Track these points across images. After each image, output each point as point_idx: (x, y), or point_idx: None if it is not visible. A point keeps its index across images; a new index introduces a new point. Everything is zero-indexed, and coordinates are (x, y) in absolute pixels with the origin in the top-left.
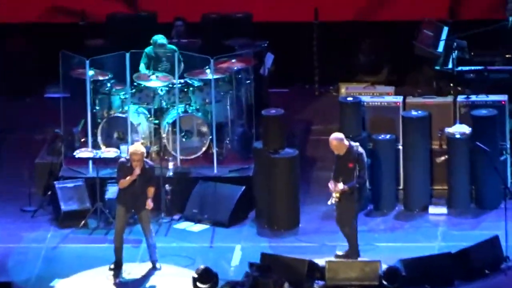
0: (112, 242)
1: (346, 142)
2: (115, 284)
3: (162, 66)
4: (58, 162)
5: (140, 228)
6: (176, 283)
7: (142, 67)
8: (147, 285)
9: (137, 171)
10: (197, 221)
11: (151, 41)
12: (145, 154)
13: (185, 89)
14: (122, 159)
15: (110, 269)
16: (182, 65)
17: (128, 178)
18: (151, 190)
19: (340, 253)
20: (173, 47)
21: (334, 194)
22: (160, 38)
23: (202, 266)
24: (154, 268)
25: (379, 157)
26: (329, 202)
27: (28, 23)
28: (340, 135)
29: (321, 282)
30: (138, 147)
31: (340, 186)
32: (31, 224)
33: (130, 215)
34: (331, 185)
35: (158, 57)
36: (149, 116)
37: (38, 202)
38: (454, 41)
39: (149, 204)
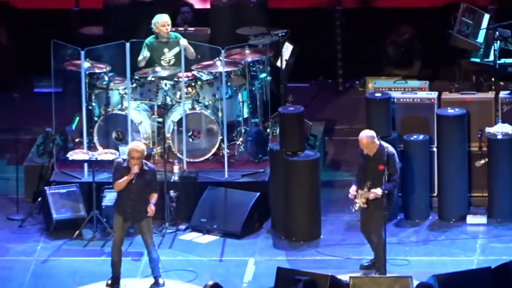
0: (109, 255)
1: (377, 142)
2: None
3: (165, 59)
4: (49, 165)
5: (141, 240)
6: None
7: (140, 58)
8: None
9: (135, 169)
10: (206, 231)
11: (152, 24)
12: (145, 153)
13: (193, 84)
14: (119, 159)
15: (107, 285)
16: (192, 52)
17: (124, 178)
18: (153, 196)
19: (365, 264)
20: (179, 35)
21: (358, 200)
22: (161, 17)
23: (211, 282)
24: (156, 284)
25: (410, 160)
26: (353, 209)
27: (14, 8)
28: (371, 132)
29: None
30: (138, 143)
31: (378, 191)
32: (18, 235)
33: (130, 225)
34: (353, 190)
35: (160, 48)
36: (151, 113)
37: (27, 209)
38: (496, 30)
39: (151, 209)
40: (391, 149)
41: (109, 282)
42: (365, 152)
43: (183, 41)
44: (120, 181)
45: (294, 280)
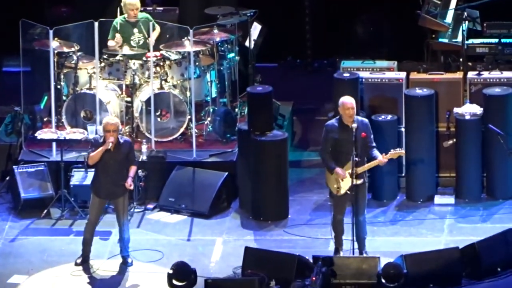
0: (78, 233)
1: None
2: (81, 281)
3: (134, 39)
4: (17, 144)
5: (109, 219)
6: (150, 280)
7: (110, 42)
8: (117, 282)
9: (111, 139)
10: (174, 211)
11: (122, 4)
12: (119, 127)
13: (161, 63)
14: (96, 136)
15: (76, 264)
16: (158, 29)
17: (99, 149)
18: (132, 168)
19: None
20: (147, 15)
21: (346, 181)
22: (131, 0)
23: (178, 262)
24: (125, 264)
25: (379, 140)
26: (342, 192)
27: None
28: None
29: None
30: (112, 117)
31: (398, 150)
32: None
33: (107, 204)
34: (342, 171)
35: (129, 29)
36: (120, 93)
37: None
38: (464, 10)
39: (129, 183)
40: (361, 117)
41: (78, 261)
42: (348, 120)
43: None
44: (94, 152)
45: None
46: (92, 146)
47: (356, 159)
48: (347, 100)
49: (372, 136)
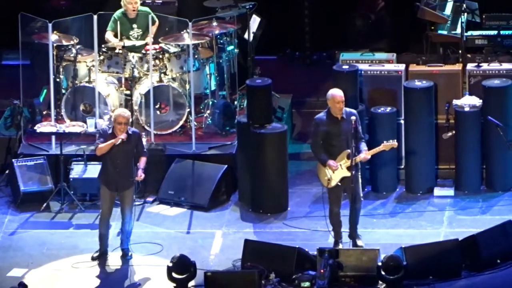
0: (78, 227)
1: None
2: (80, 274)
3: (133, 34)
4: (16, 137)
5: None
6: (150, 273)
7: (108, 34)
8: (117, 276)
9: (123, 136)
10: (173, 204)
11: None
12: (130, 120)
13: (160, 56)
14: (104, 127)
15: (93, 258)
16: (157, 22)
17: (109, 142)
18: (142, 159)
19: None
20: (147, 9)
21: (337, 172)
22: None
23: (178, 255)
24: (124, 257)
25: (378, 133)
26: (333, 184)
27: None
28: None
29: (311, 273)
30: (124, 109)
31: (391, 141)
32: None
33: (117, 195)
34: (334, 163)
35: (128, 23)
36: (119, 86)
37: None
38: (463, 2)
39: (140, 174)
40: (350, 109)
41: (95, 255)
42: (337, 113)
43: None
44: (103, 144)
45: (318, 252)
46: (100, 137)
47: (348, 150)
48: (337, 93)
49: (360, 127)
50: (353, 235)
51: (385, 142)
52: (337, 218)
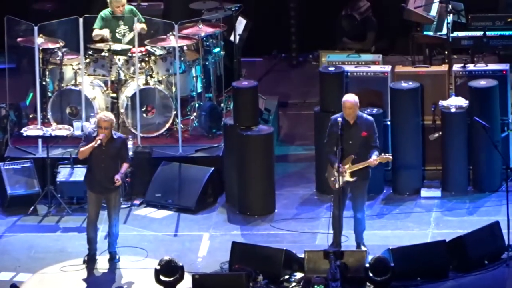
0: (65, 230)
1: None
2: (68, 278)
3: (119, 31)
4: (3, 141)
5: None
6: (137, 276)
7: (96, 31)
8: (105, 279)
9: (101, 136)
10: (160, 206)
11: (108, 0)
12: (114, 123)
13: (146, 59)
14: (89, 130)
15: (84, 261)
16: (145, 26)
17: (89, 145)
18: (124, 165)
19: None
20: (132, 7)
21: (342, 175)
22: None
23: (166, 257)
24: (112, 260)
25: None
26: (337, 185)
27: None
28: (355, 96)
29: (299, 274)
30: (106, 113)
31: (387, 155)
32: None
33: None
34: (341, 167)
35: (115, 21)
36: (105, 89)
37: None
38: (449, 3)
39: (116, 178)
40: (367, 115)
41: (86, 258)
42: (348, 118)
43: (138, 26)
44: (84, 148)
45: (324, 253)
46: (84, 140)
47: (353, 156)
48: (348, 99)
49: (376, 135)
50: (356, 241)
51: (382, 154)
52: (336, 221)
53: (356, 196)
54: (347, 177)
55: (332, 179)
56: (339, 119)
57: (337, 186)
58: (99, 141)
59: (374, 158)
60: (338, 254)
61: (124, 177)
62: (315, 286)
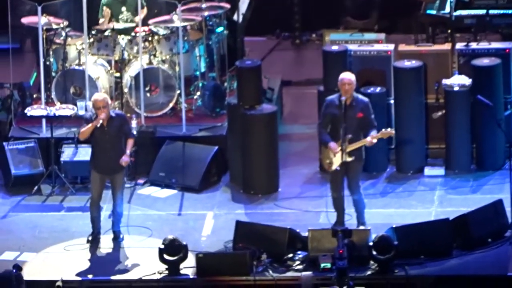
0: (69, 209)
1: None
2: (72, 257)
3: (122, 17)
4: (7, 121)
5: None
6: (141, 255)
7: (101, 20)
8: (108, 258)
9: (102, 116)
10: (164, 185)
11: None
12: (109, 102)
13: (150, 38)
14: (89, 114)
15: (88, 241)
16: (146, 10)
17: (89, 125)
18: (129, 142)
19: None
20: None
21: (338, 156)
22: None
23: (170, 236)
24: (116, 239)
25: None
26: (334, 167)
27: None
28: (352, 74)
29: (303, 253)
30: (98, 93)
31: (389, 130)
32: None
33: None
34: (335, 146)
35: (117, 7)
36: (109, 68)
37: None
38: None
39: (124, 160)
40: (362, 96)
41: (90, 238)
42: (345, 95)
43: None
44: (85, 128)
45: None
46: (85, 123)
47: (349, 136)
48: (345, 76)
49: (372, 116)
50: (357, 220)
51: (383, 130)
52: (336, 203)
53: (350, 178)
54: (345, 157)
55: (328, 161)
56: (342, 98)
57: (333, 167)
58: (101, 121)
59: (372, 136)
60: (347, 232)
61: (130, 157)
62: (322, 265)
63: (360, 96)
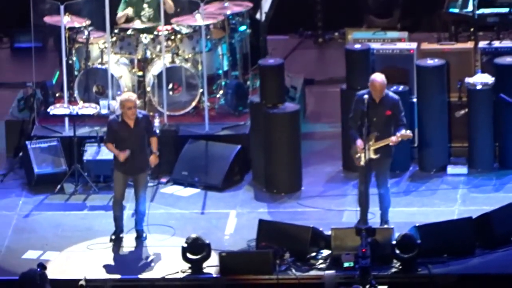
0: (92, 208)
1: None
2: (95, 256)
3: (144, 14)
4: (30, 119)
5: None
6: (164, 254)
7: (119, 14)
8: (131, 257)
9: (127, 153)
10: (187, 184)
11: None
12: (137, 102)
13: (172, 37)
14: (112, 116)
15: (111, 240)
16: (172, 6)
17: (115, 152)
18: (154, 141)
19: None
20: None
21: (366, 152)
22: None
23: (193, 235)
24: (139, 238)
25: None
26: (362, 163)
27: None
28: (383, 76)
29: (326, 252)
30: (128, 93)
31: (408, 132)
32: (0, 190)
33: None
34: (360, 143)
35: (139, 4)
36: (132, 67)
37: (8, 164)
38: None
39: (153, 160)
40: (392, 94)
41: (113, 237)
42: (375, 96)
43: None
44: (109, 149)
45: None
46: (108, 130)
47: (375, 133)
48: (376, 78)
49: (402, 114)
50: (381, 219)
51: (402, 131)
52: (362, 198)
53: (379, 173)
54: (371, 154)
55: (357, 156)
56: (366, 96)
57: (361, 163)
58: (123, 157)
59: (397, 135)
60: (370, 231)
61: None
62: (345, 264)
63: (391, 94)
